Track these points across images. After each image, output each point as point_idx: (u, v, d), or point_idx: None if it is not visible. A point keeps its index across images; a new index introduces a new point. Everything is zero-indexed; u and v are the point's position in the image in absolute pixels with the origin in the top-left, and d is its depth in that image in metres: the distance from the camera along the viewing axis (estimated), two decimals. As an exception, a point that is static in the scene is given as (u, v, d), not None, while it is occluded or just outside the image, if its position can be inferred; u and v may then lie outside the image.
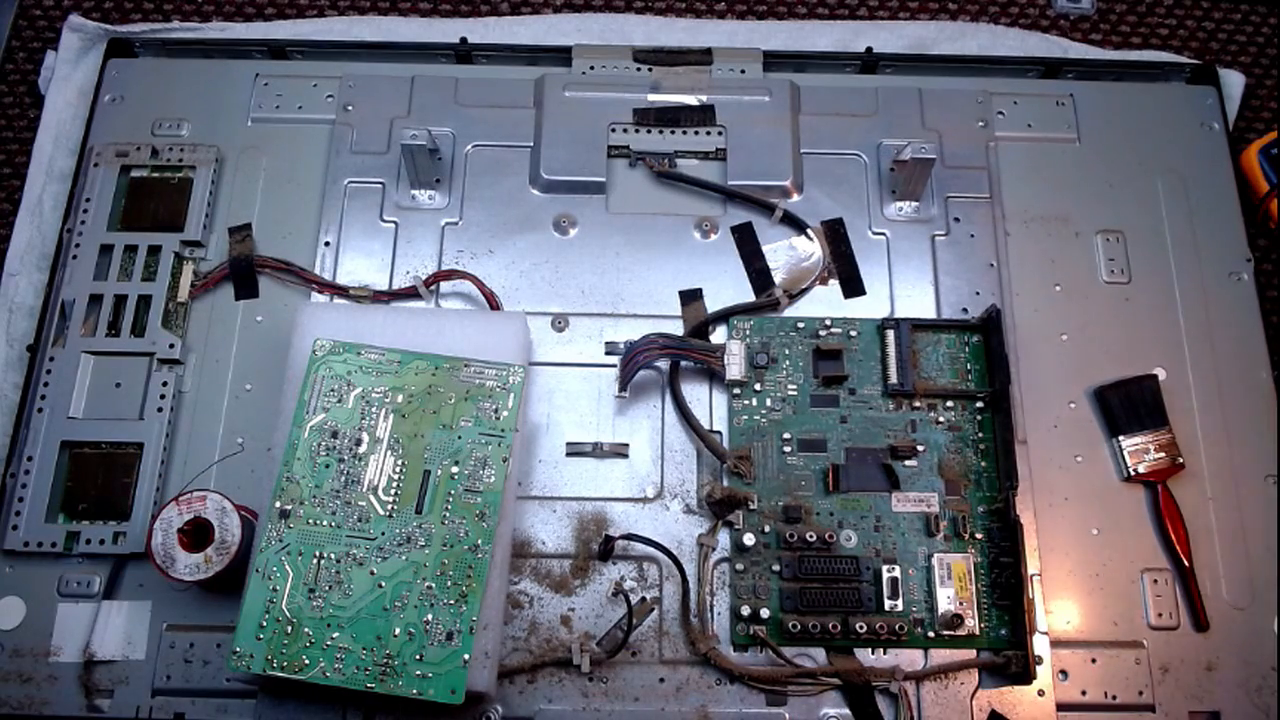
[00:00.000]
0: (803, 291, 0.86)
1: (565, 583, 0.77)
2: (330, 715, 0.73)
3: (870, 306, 0.86)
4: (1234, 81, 0.97)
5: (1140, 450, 0.81)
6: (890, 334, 0.82)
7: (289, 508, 0.71)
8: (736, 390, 0.82)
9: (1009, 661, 0.74)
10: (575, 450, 0.81)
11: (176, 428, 0.81)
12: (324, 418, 0.73)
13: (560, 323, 0.85)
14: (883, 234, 0.89)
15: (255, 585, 0.69)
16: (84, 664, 0.75)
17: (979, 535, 0.78)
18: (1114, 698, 0.76)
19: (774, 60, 0.95)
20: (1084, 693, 0.76)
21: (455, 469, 0.72)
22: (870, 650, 0.76)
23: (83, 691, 0.75)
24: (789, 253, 0.88)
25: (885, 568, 0.77)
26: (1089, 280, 0.87)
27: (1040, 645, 0.76)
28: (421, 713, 0.72)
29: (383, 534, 0.71)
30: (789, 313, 0.85)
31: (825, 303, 0.86)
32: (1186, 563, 0.79)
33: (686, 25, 1.00)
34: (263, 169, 0.90)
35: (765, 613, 0.75)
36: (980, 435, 0.81)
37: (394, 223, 0.88)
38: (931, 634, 0.76)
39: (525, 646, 0.75)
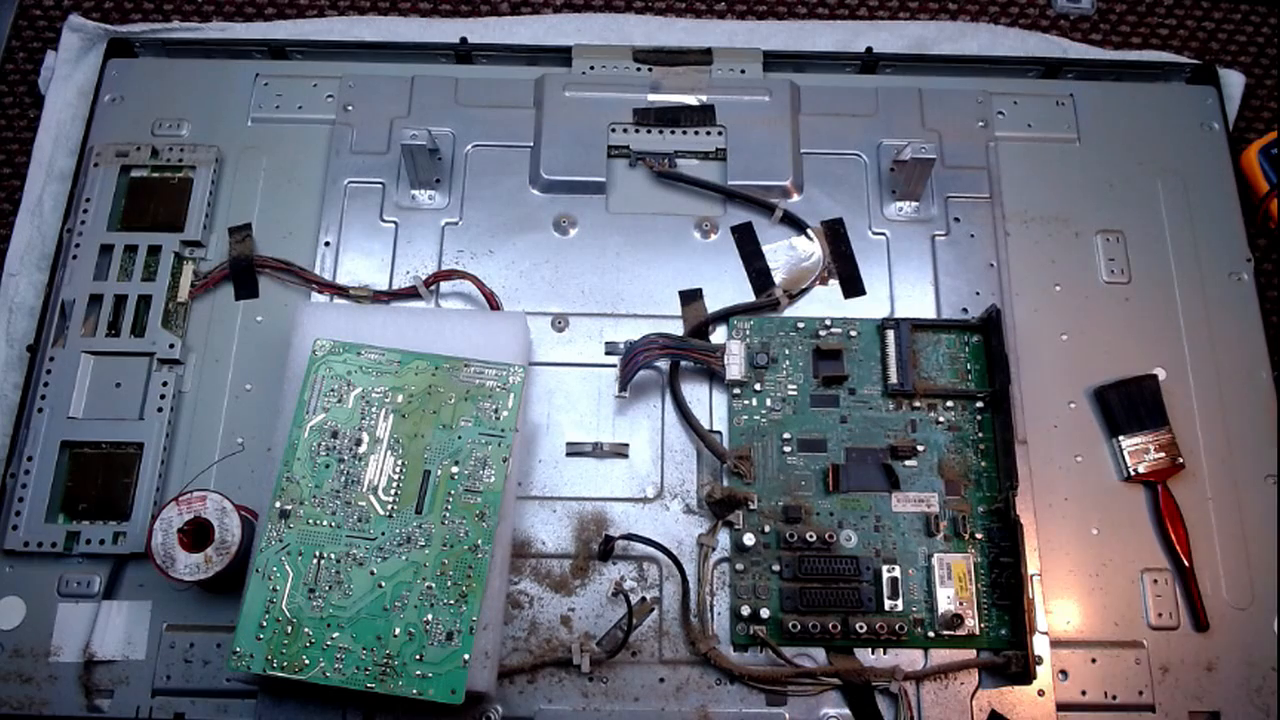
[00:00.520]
0: (803, 291, 0.86)
1: (565, 583, 0.77)
2: (330, 715, 0.73)
3: (870, 306, 0.86)
4: (1234, 81, 0.97)
5: (1140, 450, 0.81)
6: (890, 334, 0.82)
7: (289, 508, 0.71)
8: (736, 390, 0.82)
9: (1009, 661, 0.74)
10: (575, 450, 0.81)
11: (176, 428, 0.81)
12: (324, 418, 0.73)
13: (560, 323, 0.85)
14: (883, 234, 0.89)
15: (255, 585, 0.69)
16: (84, 664, 0.75)
17: (979, 535, 0.78)
18: (1114, 698, 0.76)
19: (774, 60, 0.95)
20: (1084, 693, 0.76)
21: (455, 469, 0.72)
22: (870, 650, 0.76)
23: (83, 691, 0.75)
24: (789, 253, 0.88)
25: (885, 568, 0.77)
26: (1089, 280, 0.87)
27: (1040, 645, 0.76)
28: (421, 713, 0.72)
29: (383, 534, 0.71)
30: (789, 313, 0.85)
31: (825, 303, 0.86)
32: (1186, 563, 0.79)
33: (686, 25, 1.00)
34: (263, 169, 0.90)
35: (765, 613, 0.75)
36: (980, 435, 0.81)
37: (394, 223, 0.88)
38: (931, 634, 0.76)
39: (525, 646, 0.75)
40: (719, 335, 0.85)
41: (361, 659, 0.68)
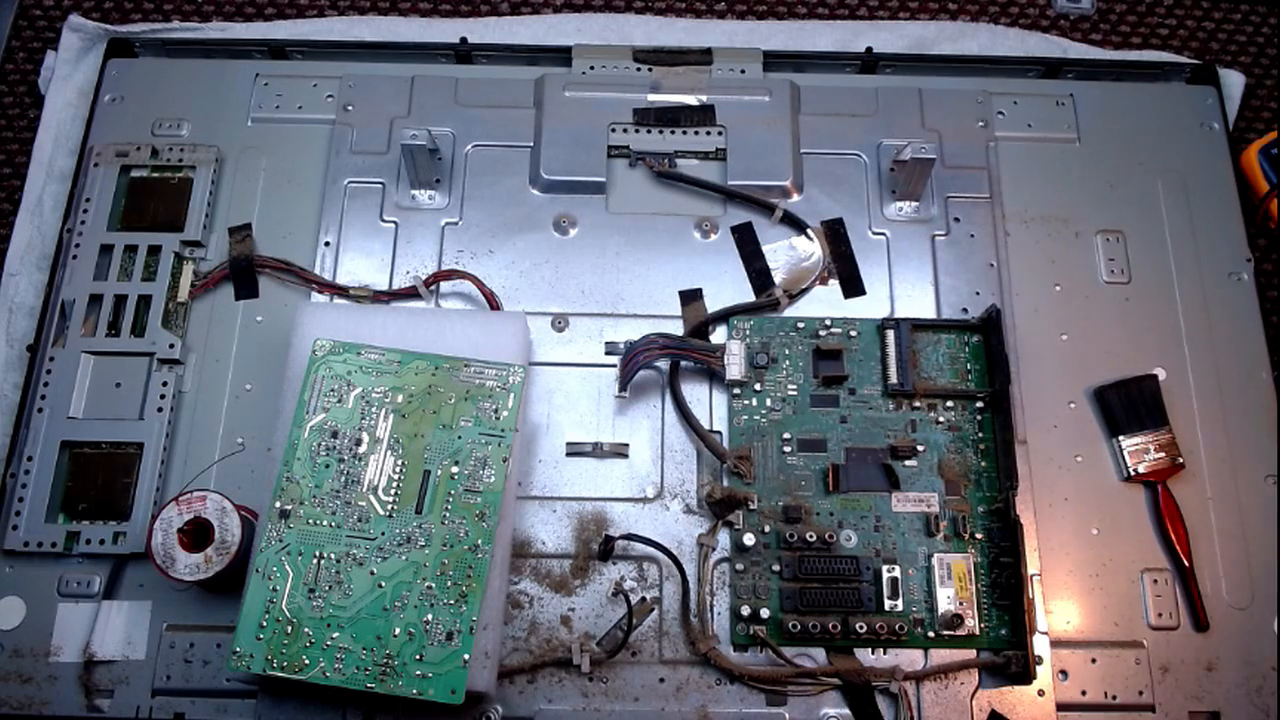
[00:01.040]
0: (803, 291, 0.86)
1: (565, 583, 0.77)
2: (330, 715, 0.73)
3: (870, 306, 0.86)
4: (1234, 81, 0.97)
5: (1140, 450, 0.81)
6: (890, 334, 0.82)
7: (289, 508, 0.71)
8: (736, 390, 0.82)
9: (1009, 661, 0.74)
10: (575, 450, 0.81)
11: (176, 428, 0.81)
12: (324, 418, 0.73)
13: (560, 323, 0.85)
14: (883, 234, 0.89)
15: (255, 585, 0.69)
16: (84, 664, 0.75)
17: (979, 535, 0.78)
18: (1114, 698, 0.76)
19: (774, 60, 0.95)
20: (1084, 693, 0.76)
21: (455, 469, 0.72)
22: (870, 650, 0.76)
23: (83, 691, 0.75)
24: (789, 253, 0.88)
25: (885, 568, 0.77)
26: (1089, 280, 0.87)
27: (1040, 645, 0.76)
28: (421, 713, 0.72)
29: (383, 534, 0.71)
30: (789, 313, 0.85)
31: (825, 303, 0.86)
32: (1186, 563, 0.79)
33: (686, 25, 1.00)
34: (263, 169, 0.90)
35: (765, 613, 0.75)
36: (980, 435, 0.81)
37: (394, 223, 0.88)
38: (931, 634, 0.76)
39: (525, 646, 0.75)
40: (719, 335, 0.85)
41: (361, 659, 0.68)
